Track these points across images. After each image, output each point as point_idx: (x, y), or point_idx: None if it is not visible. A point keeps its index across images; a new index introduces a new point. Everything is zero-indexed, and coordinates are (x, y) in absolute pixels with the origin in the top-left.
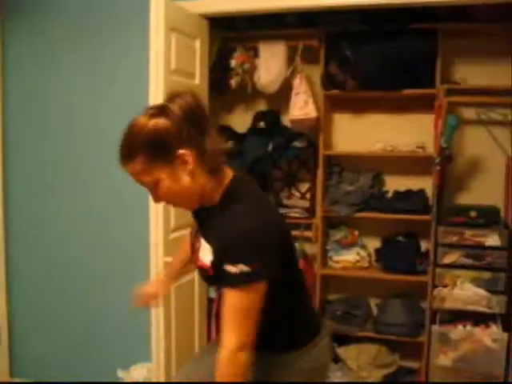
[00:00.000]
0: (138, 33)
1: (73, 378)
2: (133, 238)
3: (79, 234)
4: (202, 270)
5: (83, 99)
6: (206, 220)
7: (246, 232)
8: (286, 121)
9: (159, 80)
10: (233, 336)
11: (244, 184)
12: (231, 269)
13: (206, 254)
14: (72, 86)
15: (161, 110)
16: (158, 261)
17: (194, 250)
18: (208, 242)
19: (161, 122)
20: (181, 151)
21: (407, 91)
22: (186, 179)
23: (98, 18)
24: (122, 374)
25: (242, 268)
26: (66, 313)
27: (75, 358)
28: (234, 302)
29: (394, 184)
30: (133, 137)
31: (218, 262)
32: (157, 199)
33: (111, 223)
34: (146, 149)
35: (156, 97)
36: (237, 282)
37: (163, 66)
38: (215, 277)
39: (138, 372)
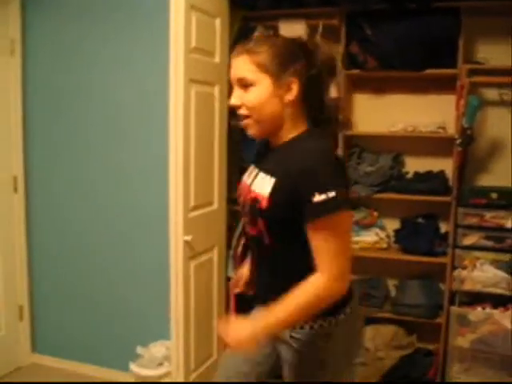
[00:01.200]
0: (158, 10)
1: (93, 354)
2: (153, 216)
3: (101, 213)
4: (252, 202)
5: (103, 79)
6: (270, 155)
7: (322, 163)
8: None
9: (179, 58)
10: (330, 269)
11: (317, 135)
12: (318, 197)
13: (264, 186)
14: (92, 67)
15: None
16: (177, 239)
17: (242, 186)
18: (272, 174)
19: (300, 41)
20: (293, 78)
21: (429, 71)
22: (278, 102)
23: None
24: (141, 351)
25: (329, 194)
26: (87, 290)
27: (95, 335)
28: (328, 231)
29: (415, 165)
30: (270, 36)
31: (283, 191)
32: (238, 99)
33: (132, 204)
34: (274, 51)
35: (176, 75)
36: (328, 208)
37: (183, 44)
38: (266, 210)
39: (157, 349)
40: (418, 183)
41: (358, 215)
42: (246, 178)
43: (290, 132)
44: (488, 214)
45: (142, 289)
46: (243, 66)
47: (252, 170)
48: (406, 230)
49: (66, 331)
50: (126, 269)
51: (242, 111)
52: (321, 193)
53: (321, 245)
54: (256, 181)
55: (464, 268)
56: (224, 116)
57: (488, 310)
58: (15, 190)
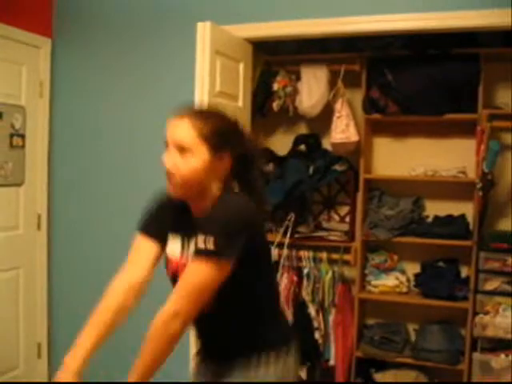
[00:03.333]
0: (183, 54)
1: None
2: None
3: (123, 252)
4: None
5: (128, 119)
6: (194, 223)
7: (223, 213)
8: (326, 144)
9: (204, 102)
10: (178, 301)
11: (232, 192)
12: (200, 242)
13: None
14: (116, 108)
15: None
16: None
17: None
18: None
19: (240, 123)
20: (227, 153)
21: (449, 116)
22: (210, 172)
23: (146, 40)
24: None
25: (209, 242)
26: None
27: (115, 374)
28: (193, 272)
29: (435, 209)
30: (214, 112)
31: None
32: (173, 165)
33: None
34: (218, 124)
35: None
36: (201, 254)
37: (208, 88)
38: None
39: None
40: (438, 227)
41: (378, 258)
42: (178, 254)
43: (212, 202)
44: (510, 259)
45: None
46: (185, 130)
47: (175, 241)
48: (426, 273)
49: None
50: (147, 307)
51: (172, 178)
52: (202, 238)
53: (185, 279)
54: (190, 251)
55: (486, 313)
56: None
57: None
58: (38, 227)
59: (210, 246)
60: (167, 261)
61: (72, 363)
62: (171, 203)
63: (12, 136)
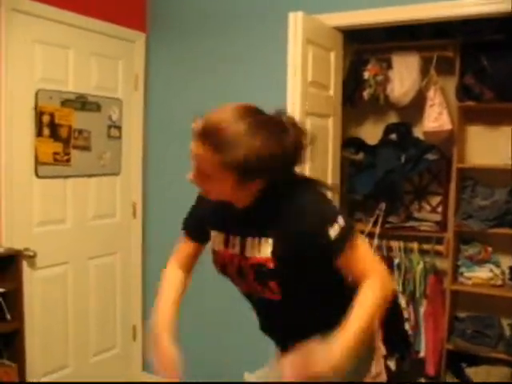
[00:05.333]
0: (273, 45)
1: (200, 376)
2: None
3: None
4: (257, 267)
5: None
6: (242, 216)
7: (316, 202)
8: (417, 133)
9: (296, 92)
10: (377, 265)
11: (299, 187)
12: (333, 231)
13: (261, 249)
14: (207, 98)
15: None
16: None
17: (224, 255)
18: (266, 235)
19: (275, 151)
20: (258, 181)
21: None
22: (241, 189)
23: (236, 33)
24: (248, 376)
25: (340, 224)
26: (200, 309)
27: (203, 359)
28: (359, 249)
29: None
30: (246, 139)
31: (287, 249)
32: (199, 187)
33: None
34: (248, 155)
35: (293, 109)
36: (347, 237)
37: (301, 78)
38: (276, 270)
39: (264, 373)
40: None
41: (471, 250)
42: (222, 247)
43: (253, 197)
44: None
45: (249, 316)
46: (206, 158)
47: (224, 237)
48: None
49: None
50: (235, 299)
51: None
52: (332, 228)
53: (358, 259)
54: (247, 246)
55: None
56: (337, 148)
57: None
58: (134, 215)
59: (341, 224)
60: (214, 254)
61: (162, 322)
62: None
63: (110, 127)
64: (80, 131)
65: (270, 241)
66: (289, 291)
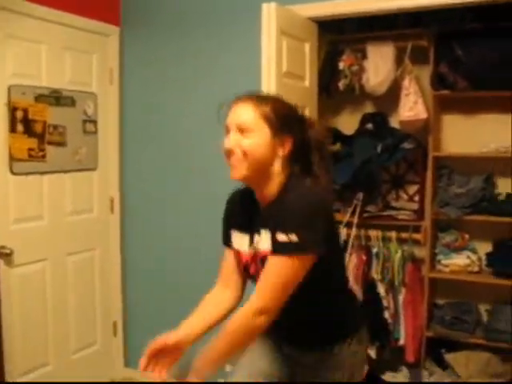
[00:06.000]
0: (247, 36)
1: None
2: None
3: (193, 230)
4: (263, 262)
5: (193, 101)
6: (262, 213)
7: (301, 206)
8: (393, 122)
9: (271, 83)
10: (264, 298)
11: (298, 180)
12: (282, 237)
13: (266, 243)
14: (182, 89)
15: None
16: None
17: (243, 255)
18: (266, 228)
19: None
20: (288, 137)
21: None
22: (271, 153)
23: (209, 25)
24: (229, 369)
25: (292, 238)
26: (180, 305)
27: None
28: (277, 268)
29: (507, 186)
30: (276, 98)
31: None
32: (234, 142)
33: None
34: (279, 108)
35: None
36: (285, 249)
37: (275, 69)
38: None
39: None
40: (510, 205)
41: (448, 238)
42: (241, 247)
43: (276, 187)
44: None
45: None
46: (247, 112)
47: (243, 237)
48: (498, 252)
49: None
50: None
51: (235, 157)
52: (285, 234)
53: (266, 275)
54: (260, 242)
55: None
56: None
57: None
58: (112, 210)
59: (294, 239)
60: (238, 255)
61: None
62: (239, 200)
63: (85, 122)
64: (55, 126)
65: (268, 235)
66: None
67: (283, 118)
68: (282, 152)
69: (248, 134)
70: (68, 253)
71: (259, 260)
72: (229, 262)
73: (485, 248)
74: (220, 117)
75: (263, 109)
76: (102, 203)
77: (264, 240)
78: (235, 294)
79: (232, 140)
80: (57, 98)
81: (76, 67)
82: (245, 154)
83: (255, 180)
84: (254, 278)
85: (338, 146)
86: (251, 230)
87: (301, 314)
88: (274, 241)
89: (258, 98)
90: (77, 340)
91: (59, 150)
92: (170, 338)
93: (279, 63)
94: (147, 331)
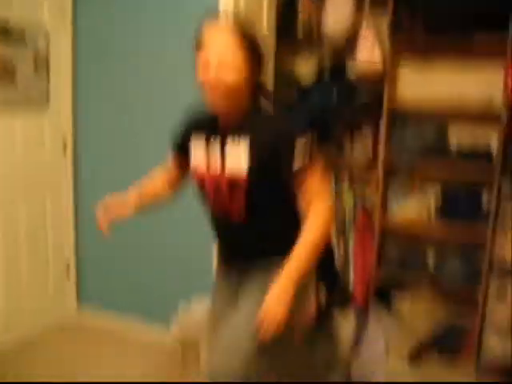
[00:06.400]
0: None
1: (137, 311)
2: None
3: (148, 169)
4: (232, 179)
5: (151, 30)
6: (229, 132)
7: (296, 133)
8: (350, 70)
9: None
10: (327, 194)
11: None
12: (299, 147)
13: (238, 165)
14: (146, 19)
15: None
16: None
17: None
18: (252, 145)
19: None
20: (260, 61)
21: (479, 36)
22: (246, 83)
23: None
24: (184, 305)
25: (306, 140)
26: (132, 248)
27: (140, 292)
28: (314, 170)
29: (460, 137)
30: (248, 24)
31: (263, 161)
32: (216, 79)
33: None
34: (253, 35)
35: None
36: (308, 153)
37: (232, 15)
38: (249, 182)
39: (201, 305)
40: (462, 154)
41: (398, 184)
42: (203, 158)
43: (246, 109)
44: None
45: (185, 243)
46: (228, 44)
47: (206, 149)
48: (447, 200)
49: (111, 289)
50: (172, 226)
51: (216, 91)
52: (299, 142)
53: (313, 184)
54: (226, 162)
55: (505, 238)
56: (270, 86)
57: None
58: (64, 152)
59: (307, 158)
60: (194, 169)
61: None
62: (198, 119)
63: (36, 60)
64: (3, 64)
65: (247, 157)
66: (253, 211)
67: (257, 49)
68: (253, 82)
69: (229, 68)
70: (19, 197)
71: (225, 182)
72: (173, 170)
73: (435, 195)
74: (193, 46)
75: (242, 39)
76: (54, 145)
77: (234, 162)
78: (171, 191)
79: (213, 73)
80: (5, 33)
81: (26, 3)
82: (226, 87)
83: (229, 107)
84: (207, 192)
85: (294, 93)
86: (211, 149)
87: (264, 224)
88: (293, 155)
89: (237, 26)
90: (29, 285)
91: (8, 89)
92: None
93: (236, 9)
94: (100, 274)
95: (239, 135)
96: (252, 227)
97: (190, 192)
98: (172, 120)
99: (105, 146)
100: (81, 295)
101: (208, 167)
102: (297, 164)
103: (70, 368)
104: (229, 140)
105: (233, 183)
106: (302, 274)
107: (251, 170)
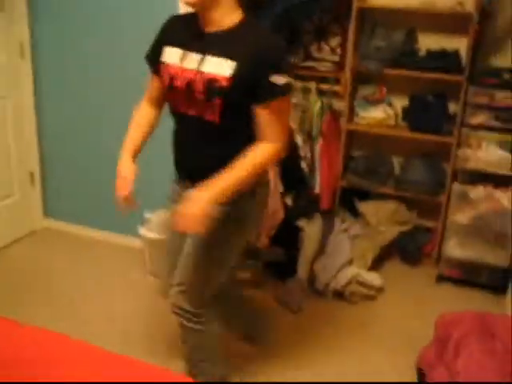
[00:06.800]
0: None
1: (101, 218)
2: None
3: (110, 79)
4: (208, 82)
5: None
6: (211, 38)
7: (283, 49)
8: None
9: None
10: (281, 137)
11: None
12: (280, 79)
13: (221, 68)
14: None
15: None
16: None
17: (172, 68)
18: (229, 57)
19: None
20: None
21: None
22: None
23: None
24: (148, 215)
25: (286, 79)
26: (96, 155)
27: (103, 200)
28: (281, 108)
29: (428, 42)
30: None
31: (245, 72)
32: None
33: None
34: None
35: None
36: (284, 90)
37: None
38: (228, 89)
39: (164, 215)
40: (430, 60)
41: (366, 91)
42: (178, 61)
43: (228, 17)
44: (499, 94)
45: (149, 151)
46: None
47: (182, 53)
48: (414, 107)
49: (76, 197)
50: None
51: None
52: (280, 74)
53: (273, 120)
54: (205, 63)
55: (469, 147)
56: None
57: (489, 188)
58: (22, 55)
59: (288, 80)
60: (165, 67)
61: (128, 172)
62: (177, 21)
63: None
64: None
65: (233, 64)
66: (226, 115)
67: None
68: None
69: None
70: None
71: (204, 80)
72: (155, 83)
73: (402, 102)
74: None
75: None
76: (10, 48)
77: (219, 65)
78: (159, 113)
79: None
80: None
81: None
82: None
83: (207, 6)
84: (177, 91)
85: None
86: (186, 46)
87: (220, 149)
88: (270, 83)
89: None
90: None
91: None
92: (131, 176)
93: None
94: (64, 180)
95: (222, 43)
96: (222, 130)
97: None
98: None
99: (64, 52)
100: (46, 202)
101: (182, 63)
102: (268, 94)
103: (45, 273)
104: (209, 45)
105: (211, 82)
106: (223, 194)
107: (234, 76)
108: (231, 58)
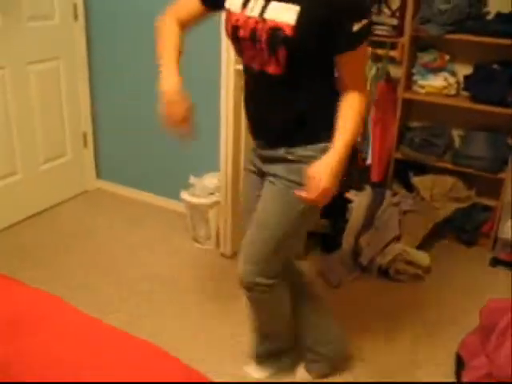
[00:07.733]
0: None
1: (150, 182)
2: (205, 44)
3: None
4: (272, 31)
5: None
6: None
7: None
8: None
9: None
10: (366, 84)
11: None
12: (358, 26)
13: (285, 15)
14: None
15: None
16: (228, 68)
17: (238, 17)
18: (293, 2)
19: None
20: None
21: None
22: None
23: None
24: (193, 181)
25: (365, 23)
26: (147, 120)
27: (152, 164)
28: (364, 54)
29: (498, 4)
30: None
31: (312, 19)
32: None
33: None
34: None
35: None
36: (363, 37)
37: None
38: (293, 38)
39: (209, 180)
40: (498, 24)
41: (426, 57)
42: (240, 8)
43: None
44: None
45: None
46: None
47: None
48: (478, 76)
49: (126, 160)
50: None
51: None
52: (359, 22)
53: (357, 70)
54: (269, 10)
55: None
56: None
57: None
58: (75, 17)
59: (366, 24)
60: (228, 14)
61: (172, 85)
62: None
63: None
64: None
65: (297, 8)
66: (293, 66)
67: None
68: None
69: None
70: (29, 62)
71: (266, 29)
72: (192, 5)
73: (465, 71)
74: None
75: None
76: (63, 8)
77: (283, 11)
78: (184, 33)
79: None
80: None
81: None
82: None
83: None
84: (242, 42)
85: None
86: None
87: (297, 100)
88: (352, 29)
89: None
90: (45, 151)
91: None
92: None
93: None
94: (117, 142)
95: None
96: (289, 84)
97: (197, 73)
98: None
99: (117, 13)
100: (99, 163)
101: (245, 9)
102: (352, 42)
103: (92, 231)
104: None
105: (274, 31)
106: (344, 160)
107: (299, 24)
108: (295, 2)
